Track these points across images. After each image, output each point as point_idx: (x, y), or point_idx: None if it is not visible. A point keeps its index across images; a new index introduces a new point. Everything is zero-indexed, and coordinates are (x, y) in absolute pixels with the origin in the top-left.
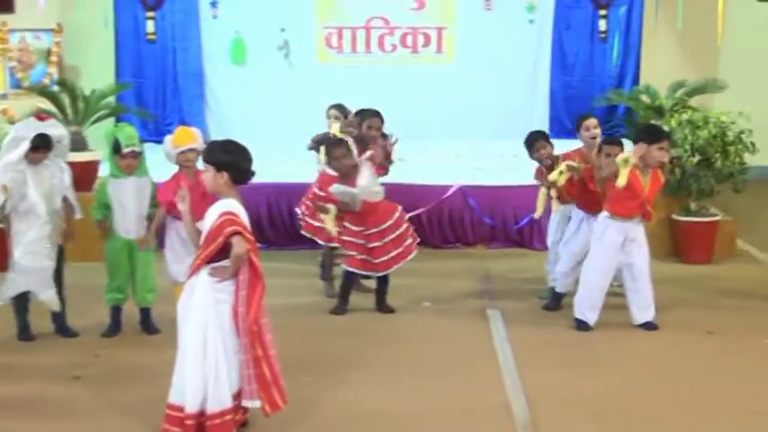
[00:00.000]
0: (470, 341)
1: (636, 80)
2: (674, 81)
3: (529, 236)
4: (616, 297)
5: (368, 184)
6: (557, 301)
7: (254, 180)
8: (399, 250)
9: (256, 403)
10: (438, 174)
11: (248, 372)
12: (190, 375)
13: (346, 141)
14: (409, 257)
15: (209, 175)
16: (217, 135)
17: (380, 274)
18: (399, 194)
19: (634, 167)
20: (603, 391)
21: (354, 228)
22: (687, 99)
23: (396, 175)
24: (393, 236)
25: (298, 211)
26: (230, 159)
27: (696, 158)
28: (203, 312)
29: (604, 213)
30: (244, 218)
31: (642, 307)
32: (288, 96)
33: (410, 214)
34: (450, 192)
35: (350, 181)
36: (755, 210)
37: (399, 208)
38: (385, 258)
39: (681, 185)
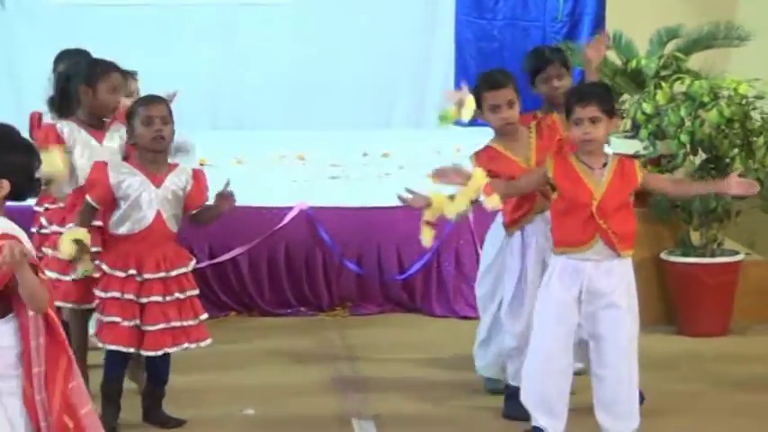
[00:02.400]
0: None
1: (598, 26)
2: (662, 28)
3: (423, 292)
4: None
5: None
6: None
7: None
8: (182, 324)
9: None
10: (265, 187)
11: None
12: None
13: None
14: (192, 346)
15: None
16: None
17: (149, 354)
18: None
19: (563, 152)
20: None
21: (116, 272)
22: (684, 58)
23: None
24: (179, 296)
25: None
26: (19, 162)
27: (699, 158)
28: None
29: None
30: (28, 243)
31: (614, 411)
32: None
33: (216, 260)
34: (287, 218)
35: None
36: None
37: (192, 259)
38: (159, 328)
39: (674, 204)
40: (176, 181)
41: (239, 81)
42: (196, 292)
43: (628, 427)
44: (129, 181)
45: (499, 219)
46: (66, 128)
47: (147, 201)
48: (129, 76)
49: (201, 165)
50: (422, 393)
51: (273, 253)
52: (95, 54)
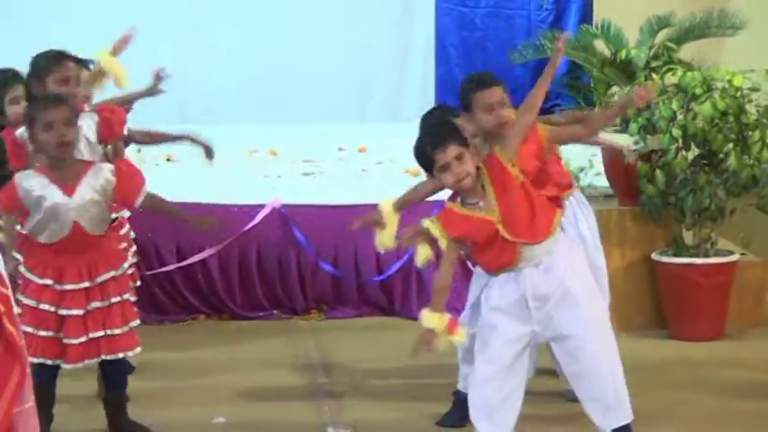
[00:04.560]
0: None
1: (586, 14)
2: (653, 16)
3: (403, 294)
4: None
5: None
6: (461, 410)
7: None
8: (102, 334)
9: None
10: (238, 185)
11: None
12: None
13: None
14: (117, 355)
15: None
16: None
17: (69, 366)
18: (163, 223)
19: (447, 206)
20: None
21: (37, 279)
22: (675, 48)
23: (160, 187)
24: (102, 304)
25: None
26: None
27: (692, 153)
28: None
29: None
30: None
31: (605, 405)
32: None
33: (185, 262)
34: (258, 217)
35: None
36: None
37: (130, 252)
38: (81, 341)
39: (666, 201)
40: (93, 184)
41: (208, 73)
42: (127, 296)
43: (619, 420)
44: (40, 192)
45: None
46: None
47: (62, 212)
48: (85, 65)
49: (168, 161)
50: (401, 401)
51: (245, 253)
52: (57, 46)
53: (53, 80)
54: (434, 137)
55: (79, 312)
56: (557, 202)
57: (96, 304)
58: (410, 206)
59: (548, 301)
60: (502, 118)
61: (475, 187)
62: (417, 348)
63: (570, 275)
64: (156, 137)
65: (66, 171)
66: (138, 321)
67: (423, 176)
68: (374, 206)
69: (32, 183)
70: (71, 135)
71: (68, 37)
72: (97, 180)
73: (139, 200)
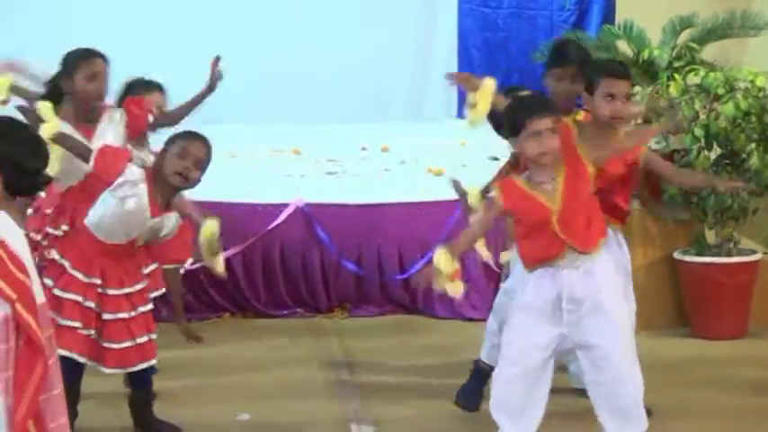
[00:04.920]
0: None
1: (608, 15)
2: (675, 17)
3: (425, 293)
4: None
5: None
6: (477, 383)
7: None
8: (140, 342)
9: None
10: (263, 184)
11: None
12: None
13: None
14: (142, 366)
15: None
16: None
17: (108, 371)
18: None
19: (512, 179)
20: None
21: (83, 276)
22: (698, 49)
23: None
24: (137, 313)
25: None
26: (6, 151)
27: (714, 153)
28: None
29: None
30: (18, 248)
31: (617, 413)
32: None
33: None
34: (282, 216)
35: None
36: None
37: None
38: (122, 346)
39: (688, 201)
40: (171, 217)
41: (235, 74)
42: (150, 307)
43: (635, 429)
44: (138, 191)
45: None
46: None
47: (141, 220)
48: (154, 88)
49: None
50: (422, 399)
51: (269, 252)
52: (83, 43)
53: (82, 76)
54: (536, 103)
55: (124, 316)
56: (620, 215)
57: (141, 309)
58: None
59: (581, 306)
60: (618, 113)
61: (550, 168)
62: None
63: (607, 285)
64: (181, 111)
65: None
66: (151, 334)
67: (446, 176)
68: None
69: (137, 175)
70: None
71: (96, 37)
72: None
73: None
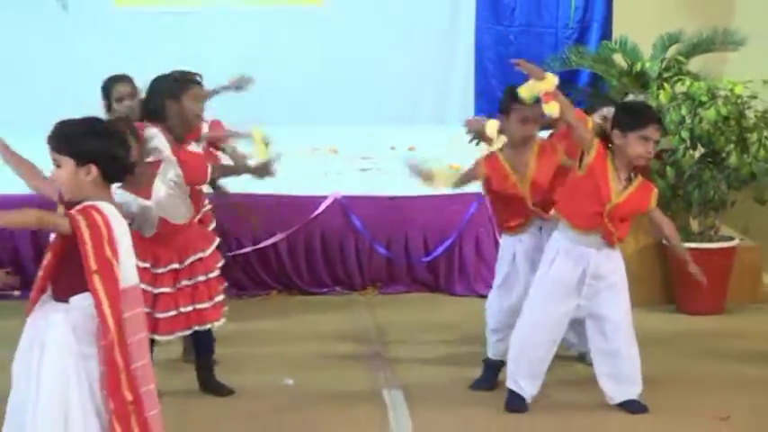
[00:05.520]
0: None
1: (606, 32)
2: (665, 34)
3: (446, 274)
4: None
5: (166, 196)
6: (491, 376)
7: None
8: (192, 309)
9: None
10: (302, 178)
11: None
12: None
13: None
14: (205, 326)
15: (64, 173)
16: None
17: (159, 338)
18: (241, 219)
19: (603, 157)
20: None
21: (138, 262)
22: (684, 61)
23: (235, 181)
24: (190, 282)
25: None
26: (102, 146)
27: (698, 152)
28: (60, 374)
29: (558, 226)
30: (120, 234)
31: (620, 379)
32: (63, 60)
33: (259, 245)
34: (322, 207)
35: (141, 189)
36: None
37: (215, 240)
38: (170, 315)
39: (675, 194)
40: (163, 180)
41: (279, 80)
42: (213, 274)
43: (633, 392)
44: (131, 205)
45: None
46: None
47: (148, 213)
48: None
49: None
50: (444, 366)
51: (310, 238)
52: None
53: (187, 98)
54: (655, 115)
55: (168, 290)
56: None
57: (185, 282)
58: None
59: (600, 282)
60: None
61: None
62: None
63: (620, 269)
64: (232, 169)
65: (138, 180)
66: (222, 296)
67: (463, 170)
68: (421, 198)
69: (125, 198)
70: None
71: (157, 48)
72: (166, 176)
73: (208, 177)
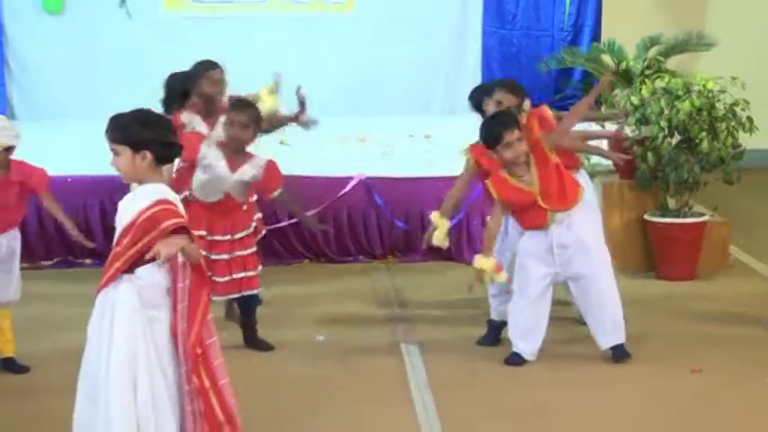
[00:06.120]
0: (379, 388)
1: (596, 35)
2: (646, 36)
3: (457, 244)
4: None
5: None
6: (493, 334)
7: (78, 173)
8: (242, 276)
9: None
10: (332, 162)
11: (192, 407)
12: (118, 423)
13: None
14: (252, 291)
15: (122, 161)
16: (24, 110)
17: (218, 299)
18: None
19: (500, 175)
20: None
21: (194, 231)
22: (663, 60)
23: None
24: (240, 253)
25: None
26: (153, 134)
27: (675, 139)
28: (129, 336)
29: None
30: (182, 209)
31: (606, 328)
32: (125, 58)
33: (294, 220)
34: (349, 186)
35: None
36: (754, 207)
37: (257, 216)
38: (227, 279)
39: (655, 175)
40: (249, 170)
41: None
42: (253, 249)
43: (615, 340)
44: (212, 162)
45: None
46: (186, 116)
47: (222, 182)
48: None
49: (281, 143)
50: (455, 325)
51: (338, 213)
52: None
53: (207, 82)
54: (504, 121)
55: (224, 257)
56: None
57: (237, 253)
58: (456, 208)
59: (567, 249)
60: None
61: (524, 163)
62: (472, 284)
63: (585, 230)
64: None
65: (237, 154)
66: (260, 267)
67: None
68: (435, 179)
69: (210, 150)
70: (245, 135)
71: (205, 51)
72: (252, 170)
73: (273, 195)
